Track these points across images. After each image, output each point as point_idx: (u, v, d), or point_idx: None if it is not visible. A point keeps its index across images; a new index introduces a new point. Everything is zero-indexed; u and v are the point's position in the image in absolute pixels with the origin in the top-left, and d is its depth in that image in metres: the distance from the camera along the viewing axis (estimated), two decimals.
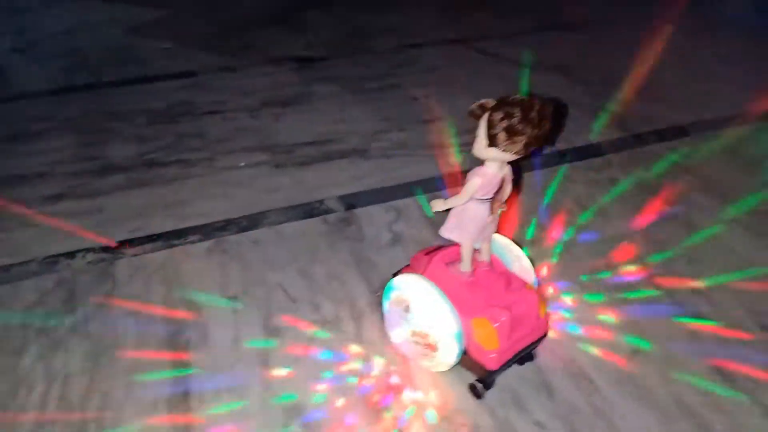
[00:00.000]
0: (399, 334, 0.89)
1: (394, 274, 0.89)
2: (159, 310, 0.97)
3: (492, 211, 0.79)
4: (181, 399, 0.83)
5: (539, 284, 0.90)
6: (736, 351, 0.91)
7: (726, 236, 1.15)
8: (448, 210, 0.80)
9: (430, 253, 0.88)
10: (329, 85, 1.74)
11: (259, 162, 1.37)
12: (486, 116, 0.70)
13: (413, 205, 1.24)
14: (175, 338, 0.93)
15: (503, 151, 0.71)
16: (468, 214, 0.78)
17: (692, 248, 1.12)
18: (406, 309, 0.85)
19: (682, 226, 1.18)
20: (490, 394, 0.84)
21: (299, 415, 0.81)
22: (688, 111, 1.60)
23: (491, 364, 0.81)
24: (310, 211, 1.22)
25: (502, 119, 0.69)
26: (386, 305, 0.89)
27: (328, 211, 1.22)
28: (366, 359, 0.89)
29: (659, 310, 0.98)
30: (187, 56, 1.92)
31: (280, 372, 0.87)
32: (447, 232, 0.81)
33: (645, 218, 1.20)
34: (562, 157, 1.40)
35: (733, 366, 0.89)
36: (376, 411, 0.82)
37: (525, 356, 0.86)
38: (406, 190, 1.28)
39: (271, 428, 0.79)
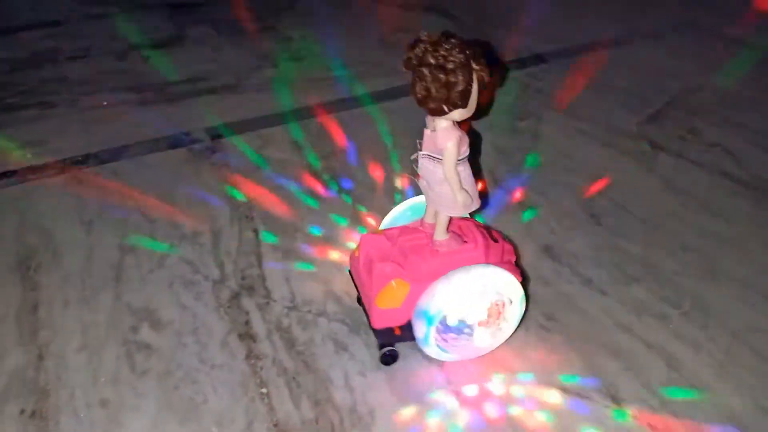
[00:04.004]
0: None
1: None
2: (10, 238, 0.96)
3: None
4: (30, 311, 0.84)
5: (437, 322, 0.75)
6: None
7: (570, 145, 1.25)
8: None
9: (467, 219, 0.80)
10: (204, 27, 1.73)
11: (123, 101, 1.35)
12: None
13: (281, 132, 1.26)
14: (26, 262, 0.92)
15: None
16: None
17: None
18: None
19: (529, 137, 1.27)
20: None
21: (149, 317, 0.83)
22: (549, 41, 1.70)
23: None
24: (175, 142, 1.22)
25: None
26: None
27: (194, 142, 1.22)
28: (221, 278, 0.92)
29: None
30: (52, 6, 1.84)
31: (132, 283, 0.89)
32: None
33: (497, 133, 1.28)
34: None
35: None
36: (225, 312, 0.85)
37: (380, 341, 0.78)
38: (274, 119, 1.30)
39: (121, 331, 0.81)
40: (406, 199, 0.86)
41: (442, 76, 0.63)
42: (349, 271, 0.84)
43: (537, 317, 0.86)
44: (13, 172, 1.12)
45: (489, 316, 0.74)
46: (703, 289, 0.91)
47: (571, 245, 0.99)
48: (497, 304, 0.74)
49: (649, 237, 1.01)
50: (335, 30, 1.73)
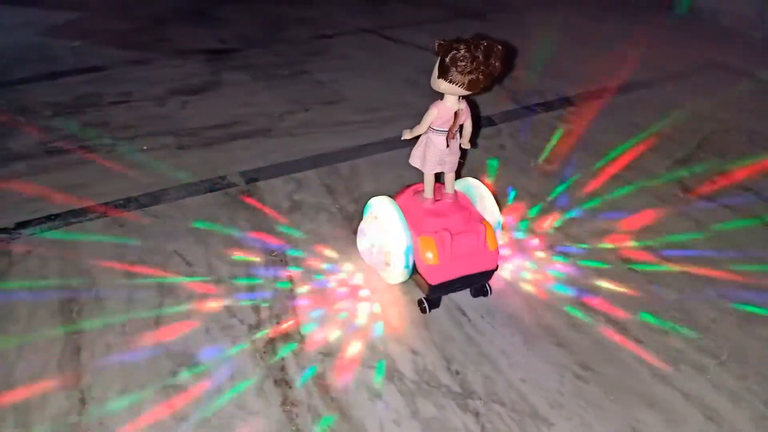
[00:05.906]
0: (363, 244, 0.99)
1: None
2: (53, 282, 1.00)
3: (448, 142, 0.87)
4: (73, 355, 0.86)
5: (502, 224, 1.00)
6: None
7: (600, 189, 1.26)
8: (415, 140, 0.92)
9: (410, 186, 0.99)
10: (239, 73, 1.78)
11: (162, 145, 1.40)
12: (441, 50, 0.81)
13: (314, 176, 1.29)
14: (69, 306, 0.95)
15: (450, 82, 0.81)
16: (428, 143, 0.88)
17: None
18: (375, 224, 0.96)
19: (555, 180, 1.28)
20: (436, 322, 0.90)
21: (187, 362, 0.85)
22: (577, 84, 1.72)
23: (431, 278, 0.89)
24: (211, 186, 1.25)
25: (450, 52, 0.79)
26: (363, 221, 1.01)
27: (229, 185, 1.26)
28: (257, 323, 0.94)
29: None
30: (96, 52, 1.92)
31: (171, 327, 0.91)
32: (412, 159, 0.92)
33: (529, 175, 1.29)
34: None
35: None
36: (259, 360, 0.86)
37: (478, 289, 0.95)
38: (307, 163, 1.33)
39: (160, 376, 0.83)
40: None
41: (501, 57, 0.81)
42: (435, 286, 0.90)
43: (572, 367, 0.85)
44: (56, 216, 1.16)
45: None
46: (741, 337, 0.90)
47: (605, 292, 0.99)
48: None
49: (684, 283, 1.00)
50: (365, 74, 1.78)
